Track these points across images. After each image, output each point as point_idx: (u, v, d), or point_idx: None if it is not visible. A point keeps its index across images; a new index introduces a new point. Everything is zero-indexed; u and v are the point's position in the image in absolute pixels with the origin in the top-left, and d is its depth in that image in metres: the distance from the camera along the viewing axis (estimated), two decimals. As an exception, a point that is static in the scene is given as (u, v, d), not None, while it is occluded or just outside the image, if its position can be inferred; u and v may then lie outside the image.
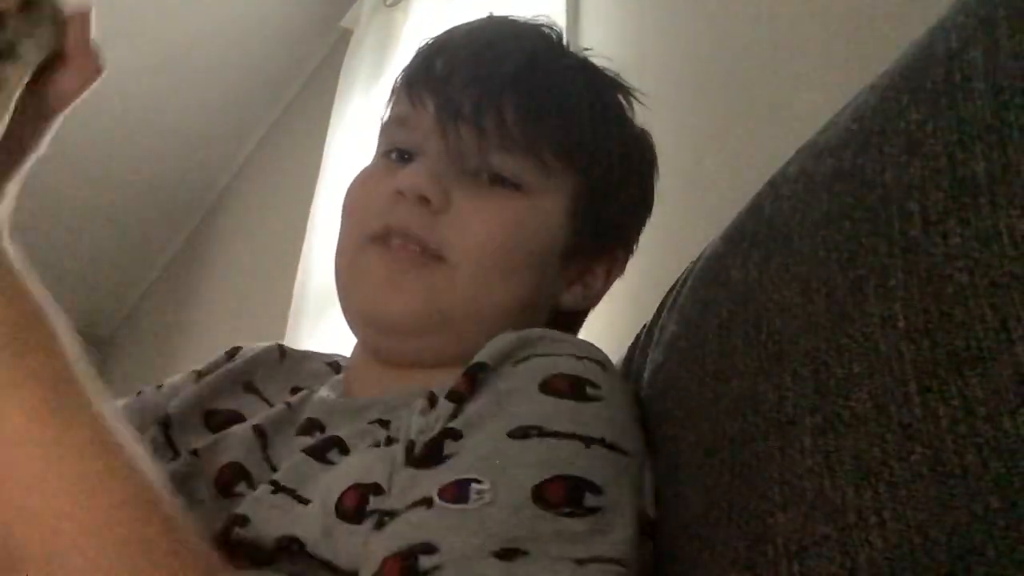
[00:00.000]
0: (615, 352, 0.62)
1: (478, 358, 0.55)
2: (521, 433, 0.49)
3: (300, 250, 2.24)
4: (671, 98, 0.75)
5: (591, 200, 0.67)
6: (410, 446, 0.53)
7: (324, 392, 0.67)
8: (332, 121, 2.32)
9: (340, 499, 0.52)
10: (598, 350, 0.59)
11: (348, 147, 2.19)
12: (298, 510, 0.53)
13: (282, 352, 0.76)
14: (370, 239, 0.63)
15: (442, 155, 0.64)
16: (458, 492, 0.47)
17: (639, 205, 0.73)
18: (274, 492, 0.55)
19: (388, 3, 2.24)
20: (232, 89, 3.06)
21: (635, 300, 0.74)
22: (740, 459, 0.46)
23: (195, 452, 0.62)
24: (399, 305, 0.62)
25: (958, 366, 0.37)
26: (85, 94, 0.51)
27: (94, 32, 0.50)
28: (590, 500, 0.48)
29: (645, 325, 0.68)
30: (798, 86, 1.00)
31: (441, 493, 0.47)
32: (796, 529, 0.41)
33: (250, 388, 0.71)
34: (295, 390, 0.70)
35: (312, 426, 0.63)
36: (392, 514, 0.48)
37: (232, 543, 0.52)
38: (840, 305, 0.43)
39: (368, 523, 0.50)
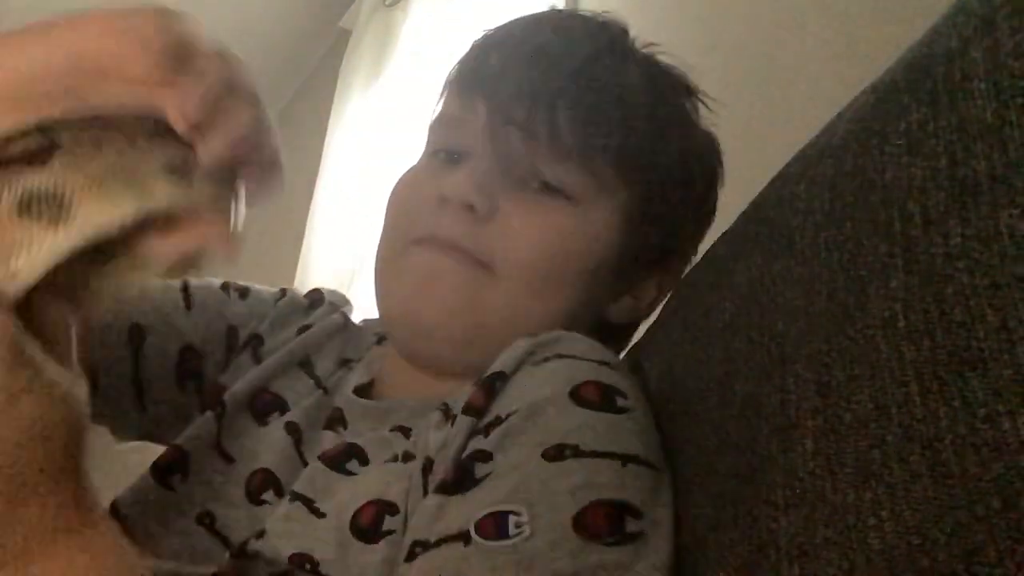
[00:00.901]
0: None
1: (495, 367, 0.53)
2: (556, 453, 0.48)
3: (299, 250, 2.24)
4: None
5: (646, 214, 0.65)
6: (428, 464, 0.52)
7: (357, 375, 0.66)
8: (331, 121, 2.32)
9: (356, 515, 0.51)
10: (611, 352, 0.58)
11: (347, 147, 2.19)
12: (313, 524, 0.52)
13: (345, 322, 0.73)
14: (412, 244, 0.62)
15: (491, 161, 0.62)
16: (496, 526, 0.45)
17: (698, 217, 0.70)
18: (292, 500, 0.54)
19: (387, 3, 2.24)
20: (231, 89, 3.05)
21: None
22: (745, 463, 0.47)
23: (231, 458, 0.61)
24: (436, 307, 0.60)
25: (959, 367, 0.37)
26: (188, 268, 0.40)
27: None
28: (631, 525, 0.47)
29: (648, 328, 0.68)
30: (798, 86, 1.00)
31: (479, 528, 0.45)
32: (798, 532, 0.41)
33: (305, 364, 0.68)
34: (343, 362, 0.69)
35: (337, 419, 0.62)
36: (424, 544, 0.47)
37: (248, 555, 0.52)
38: (842, 306, 0.43)
39: (384, 543, 0.50)
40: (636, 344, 0.69)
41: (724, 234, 0.59)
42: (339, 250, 1.95)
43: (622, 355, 0.70)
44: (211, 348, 0.68)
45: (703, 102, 0.69)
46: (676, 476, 0.52)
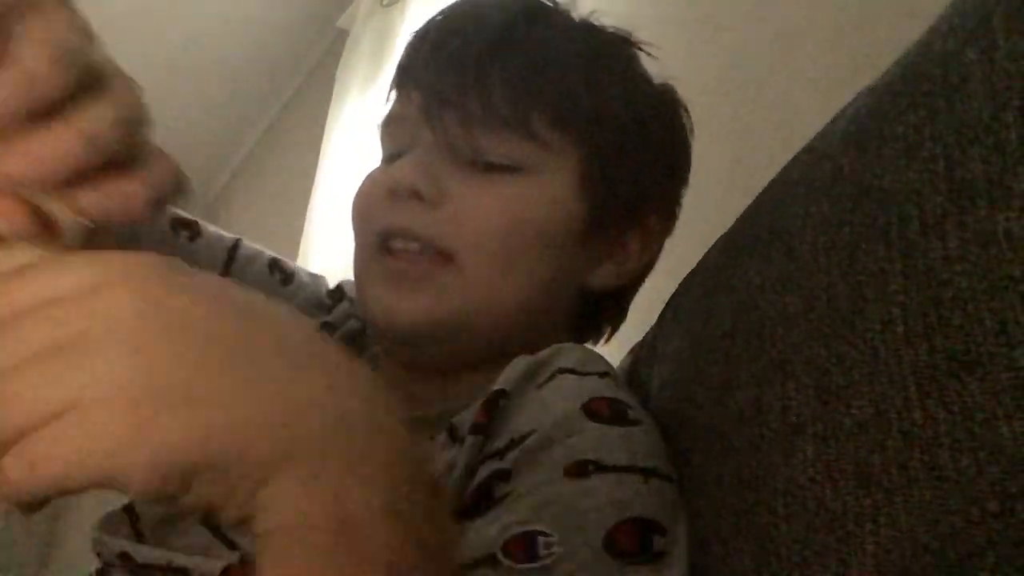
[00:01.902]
0: (611, 361, 0.62)
1: (496, 385, 0.53)
2: (579, 470, 0.47)
3: (297, 251, 2.24)
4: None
5: (603, 169, 0.62)
6: None
7: None
8: (329, 121, 2.33)
9: None
10: (606, 361, 0.58)
11: (345, 147, 2.19)
12: None
13: (363, 328, 0.71)
14: (374, 248, 0.61)
15: (432, 147, 0.61)
16: (525, 548, 0.44)
17: (666, 165, 0.67)
18: None
19: (384, 3, 2.24)
20: (228, 90, 3.06)
21: (634, 308, 0.73)
22: (747, 471, 0.47)
23: None
24: (408, 314, 0.59)
25: (957, 370, 0.37)
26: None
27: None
28: (657, 543, 0.47)
29: (646, 335, 0.67)
30: (795, 89, 0.99)
31: (506, 550, 0.45)
32: (798, 540, 0.41)
33: None
34: None
35: None
36: None
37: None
38: (841, 311, 0.43)
39: None
40: (635, 353, 0.69)
41: (721, 239, 0.58)
42: (337, 251, 1.95)
43: (619, 366, 0.70)
44: None
45: (645, 51, 0.68)
46: (680, 485, 0.52)
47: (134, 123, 0.35)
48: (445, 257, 0.59)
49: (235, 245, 0.69)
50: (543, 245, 0.61)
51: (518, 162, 0.60)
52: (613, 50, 0.66)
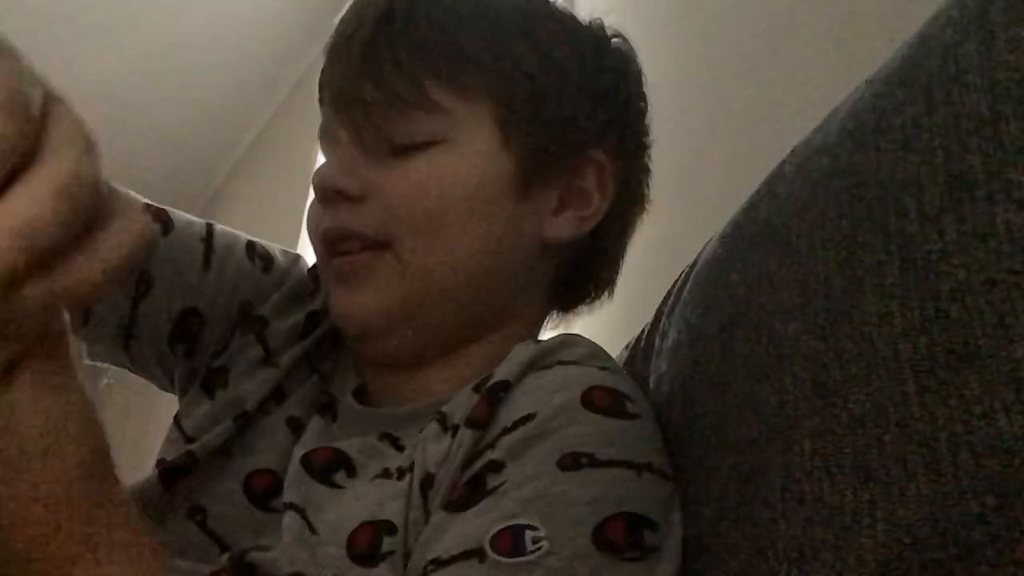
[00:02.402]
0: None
1: (497, 376, 0.53)
2: (572, 463, 0.47)
3: (295, 249, 2.23)
4: (666, 96, 0.74)
5: (519, 117, 0.60)
6: (427, 479, 0.51)
7: (352, 376, 0.65)
8: (325, 122, 2.32)
9: (352, 538, 0.50)
10: (608, 354, 0.58)
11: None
12: (311, 546, 0.51)
13: None
14: (323, 253, 0.61)
15: (347, 144, 0.61)
16: (513, 542, 0.44)
17: (593, 95, 0.64)
18: (285, 509, 0.53)
19: (381, 2, 2.23)
20: (225, 89, 3.06)
21: (630, 302, 0.73)
22: (745, 465, 0.47)
23: (228, 452, 0.60)
24: (357, 309, 0.59)
25: (955, 364, 0.37)
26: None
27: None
28: (648, 539, 0.47)
29: (644, 330, 0.67)
30: (792, 82, 1.00)
31: (494, 543, 0.45)
32: (796, 535, 0.41)
33: (314, 368, 0.66)
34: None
35: (328, 407, 0.62)
36: (437, 562, 0.46)
37: (246, 564, 0.51)
38: (838, 305, 0.43)
39: (384, 566, 0.49)
40: (631, 348, 0.68)
41: (719, 233, 0.58)
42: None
43: (622, 353, 0.70)
44: (216, 319, 0.66)
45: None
46: (679, 479, 0.52)
47: (81, 189, 0.29)
48: (383, 247, 0.59)
49: (208, 235, 0.67)
50: (473, 210, 0.59)
51: (430, 136, 0.59)
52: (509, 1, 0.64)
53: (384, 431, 0.58)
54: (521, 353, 0.54)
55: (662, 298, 0.65)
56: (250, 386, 0.62)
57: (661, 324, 0.62)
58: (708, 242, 0.60)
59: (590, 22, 0.66)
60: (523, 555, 0.44)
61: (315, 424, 0.60)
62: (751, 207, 0.54)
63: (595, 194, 0.63)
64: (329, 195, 0.60)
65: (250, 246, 0.69)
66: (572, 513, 0.45)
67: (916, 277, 0.40)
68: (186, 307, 0.64)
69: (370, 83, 0.59)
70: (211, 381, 0.64)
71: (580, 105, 0.63)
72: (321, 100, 0.65)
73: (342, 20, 0.64)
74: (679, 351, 0.57)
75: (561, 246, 0.63)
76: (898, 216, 0.41)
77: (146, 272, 0.63)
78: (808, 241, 0.46)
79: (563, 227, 0.62)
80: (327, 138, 0.65)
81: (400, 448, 0.56)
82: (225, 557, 0.52)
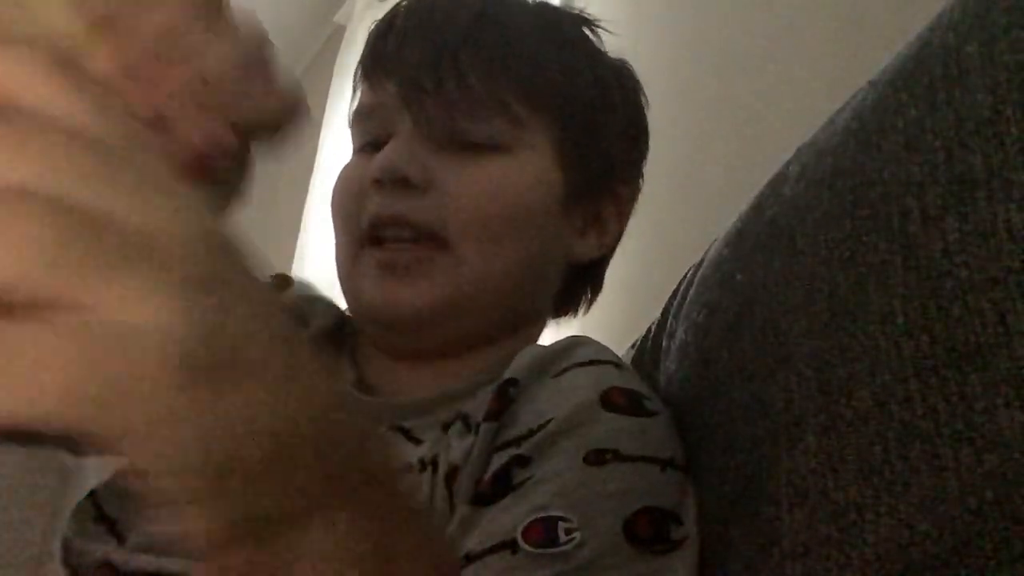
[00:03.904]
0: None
1: (508, 374, 0.54)
2: (597, 458, 0.48)
3: (294, 247, 2.24)
4: (668, 96, 0.74)
5: (576, 142, 0.65)
6: (451, 471, 0.52)
7: (346, 368, 0.65)
8: (326, 117, 2.33)
9: None
10: (615, 354, 0.59)
11: (342, 143, 2.19)
12: None
13: (337, 324, 0.69)
14: (364, 240, 0.61)
15: (413, 133, 0.61)
16: (545, 533, 0.45)
17: (630, 136, 0.70)
18: None
19: (382, -2, 2.24)
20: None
21: (632, 301, 0.73)
22: (752, 463, 0.48)
23: None
24: (409, 302, 0.59)
25: (957, 362, 0.38)
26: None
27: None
28: (675, 532, 0.48)
29: (648, 329, 0.68)
30: (795, 83, 1.00)
31: (526, 535, 0.45)
32: (800, 531, 0.42)
33: None
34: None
35: None
36: (468, 556, 0.46)
37: None
38: (842, 304, 0.44)
39: None
40: (640, 348, 0.69)
41: (724, 234, 0.59)
42: (333, 245, 1.94)
43: (628, 352, 0.70)
44: None
45: (604, 28, 0.70)
46: (695, 482, 0.53)
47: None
48: (438, 242, 0.60)
49: None
50: (529, 221, 0.62)
51: (498, 141, 0.62)
52: (574, 28, 0.69)
53: (394, 423, 0.58)
54: (528, 353, 0.56)
55: (665, 297, 0.66)
56: None
57: (668, 324, 0.63)
58: (713, 242, 0.60)
59: (621, 61, 0.71)
60: (556, 546, 0.44)
61: None
62: (755, 208, 0.55)
63: (614, 221, 0.68)
64: (390, 181, 0.60)
65: None
66: (602, 506, 0.46)
67: (919, 276, 0.40)
68: None
69: (454, 79, 0.61)
70: None
71: (620, 142, 0.68)
72: (373, 78, 0.65)
73: (414, 8, 0.65)
74: (687, 352, 0.58)
75: (579, 264, 0.67)
76: (901, 216, 0.42)
77: None
78: (812, 241, 0.47)
79: (587, 248, 0.67)
80: (370, 118, 0.65)
81: (416, 441, 0.57)
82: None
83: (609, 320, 0.75)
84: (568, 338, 0.58)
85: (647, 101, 0.72)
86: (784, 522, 0.43)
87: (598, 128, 0.66)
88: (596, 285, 0.72)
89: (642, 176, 0.72)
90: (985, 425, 0.36)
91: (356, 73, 0.68)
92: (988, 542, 0.35)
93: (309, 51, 2.93)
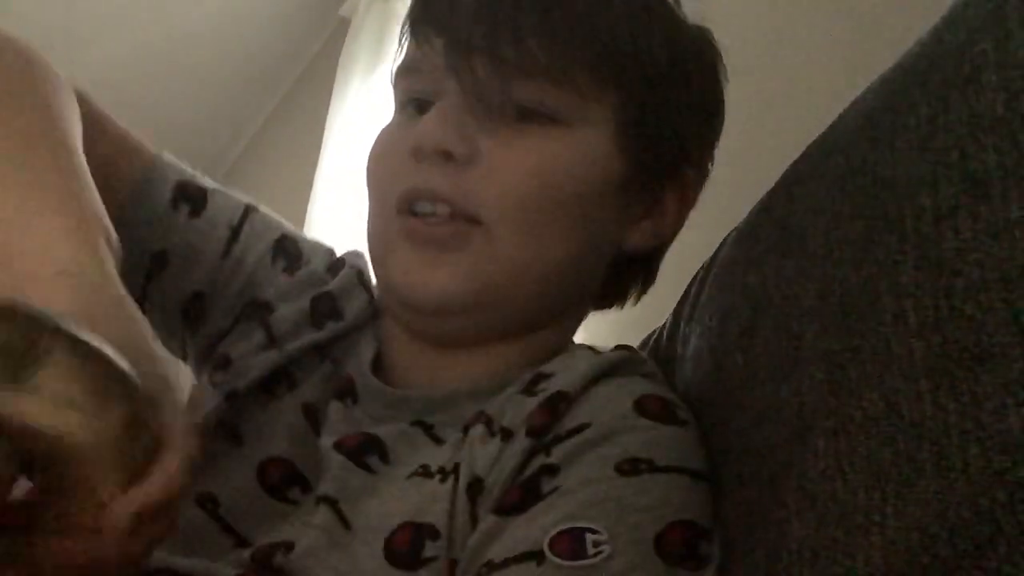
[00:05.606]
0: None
1: (557, 387, 0.52)
2: (630, 468, 0.47)
3: (300, 239, 2.23)
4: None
5: (642, 120, 0.58)
6: (475, 483, 0.50)
7: (366, 346, 0.62)
8: (331, 110, 2.32)
9: (390, 540, 0.49)
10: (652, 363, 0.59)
11: (347, 136, 2.18)
12: (343, 542, 0.49)
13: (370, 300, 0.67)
14: (396, 210, 0.57)
15: (459, 97, 0.56)
16: (572, 545, 0.44)
17: (704, 115, 0.63)
18: (317, 504, 0.52)
19: (387, -9, 2.23)
20: (229, 79, 3.06)
21: (639, 301, 0.72)
22: (765, 469, 0.48)
23: (239, 438, 0.58)
24: (438, 287, 0.55)
25: (968, 362, 0.38)
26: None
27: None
28: (703, 548, 0.47)
29: (659, 332, 0.67)
30: (806, 82, 0.99)
31: (553, 545, 0.44)
32: (809, 535, 0.42)
33: (326, 355, 0.63)
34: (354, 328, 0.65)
35: (347, 391, 0.59)
36: (490, 565, 0.45)
37: (274, 569, 0.49)
38: (854, 305, 0.44)
39: (425, 571, 0.48)
40: (651, 351, 0.68)
41: (734, 234, 0.59)
42: (339, 239, 1.94)
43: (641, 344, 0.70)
44: (222, 310, 0.64)
45: None
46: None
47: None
48: (475, 222, 0.55)
49: (242, 220, 0.65)
50: (580, 207, 0.57)
51: (553, 111, 0.56)
52: None
53: (417, 418, 0.56)
54: (582, 363, 0.53)
55: (674, 296, 0.66)
56: (248, 367, 0.60)
57: (681, 329, 0.62)
58: (723, 242, 0.60)
59: (701, 29, 0.64)
60: (584, 558, 0.43)
61: (335, 410, 0.58)
62: (766, 208, 0.54)
63: (673, 210, 0.62)
64: (430, 153, 0.55)
65: (278, 245, 0.67)
66: (634, 519, 0.45)
67: (931, 276, 0.40)
68: (195, 291, 0.64)
69: (510, 40, 0.55)
70: (214, 364, 0.63)
71: (692, 120, 0.62)
72: (420, 34, 0.58)
73: None
74: (701, 357, 0.58)
75: (633, 255, 0.62)
76: (913, 215, 0.42)
77: (163, 252, 0.63)
78: (824, 241, 0.47)
79: (641, 238, 0.61)
80: (415, 75, 0.60)
81: (437, 440, 0.55)
82: (248, 555, 0.51)
83: (617, 319, 0.75)
84: (621, 351, 0.56)
85: (727, 73, 0.64)
86: (793, 526, 0.44)
87: (669, 104, 0.60)
88: (649, 276, 0.66)
89: (713, 159, 0.65)
90: (995, 426, 0.36)
91: (403, 25, 0.61)
92: (1000, 544, 0.35)
93: (313, 44, 2.92)
